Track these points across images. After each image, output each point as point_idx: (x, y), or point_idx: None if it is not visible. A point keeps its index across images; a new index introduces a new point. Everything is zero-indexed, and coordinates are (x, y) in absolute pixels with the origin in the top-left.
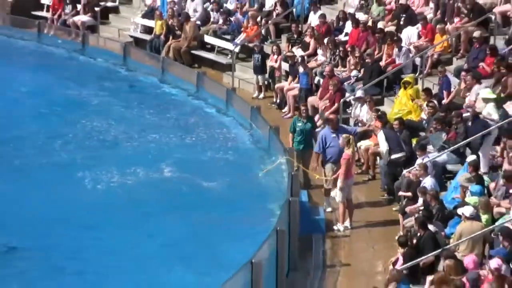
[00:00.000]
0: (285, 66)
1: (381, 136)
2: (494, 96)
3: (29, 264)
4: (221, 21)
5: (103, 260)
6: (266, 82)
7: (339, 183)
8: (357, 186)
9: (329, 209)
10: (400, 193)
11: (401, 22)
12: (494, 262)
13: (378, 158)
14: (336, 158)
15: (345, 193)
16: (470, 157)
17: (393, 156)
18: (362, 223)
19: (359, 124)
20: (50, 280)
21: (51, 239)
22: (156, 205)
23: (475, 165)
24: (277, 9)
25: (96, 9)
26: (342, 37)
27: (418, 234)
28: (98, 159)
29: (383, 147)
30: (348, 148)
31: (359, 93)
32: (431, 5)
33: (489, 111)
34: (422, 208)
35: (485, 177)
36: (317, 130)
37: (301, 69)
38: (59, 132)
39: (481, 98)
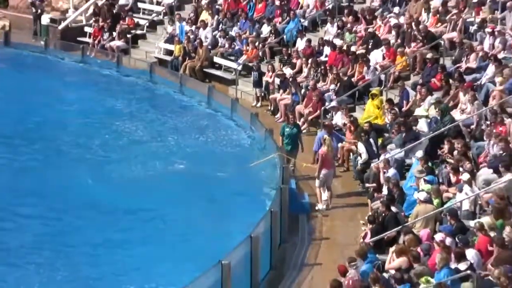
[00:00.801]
0: (277, 81)
1: (361, 147)
2: (426, 114)
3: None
4: (227, 46)
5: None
6: (262, 94)
7: (316, 173)
8: (335, 177)
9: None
10: (367, 184)
11: (369, 46)
12: (438, 236)
13: (351, 154)
14: None
15: (321, 181)
16: (419, 153)
17: (373, 162)
18: (339, 205)
19: (337, 128)
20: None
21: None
22: (175, 188)
23: (426, 159)
24: (271, 36)
25: (128, 36)
26: (322, 58)
27: (383, 214)
28: (127, 154)
29: (364, 156)
30: (324, 146)
31: (333, 103)
32: (393, 32)
33: (421, 126)
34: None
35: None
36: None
37: (293, 90)
38: (98, 133)
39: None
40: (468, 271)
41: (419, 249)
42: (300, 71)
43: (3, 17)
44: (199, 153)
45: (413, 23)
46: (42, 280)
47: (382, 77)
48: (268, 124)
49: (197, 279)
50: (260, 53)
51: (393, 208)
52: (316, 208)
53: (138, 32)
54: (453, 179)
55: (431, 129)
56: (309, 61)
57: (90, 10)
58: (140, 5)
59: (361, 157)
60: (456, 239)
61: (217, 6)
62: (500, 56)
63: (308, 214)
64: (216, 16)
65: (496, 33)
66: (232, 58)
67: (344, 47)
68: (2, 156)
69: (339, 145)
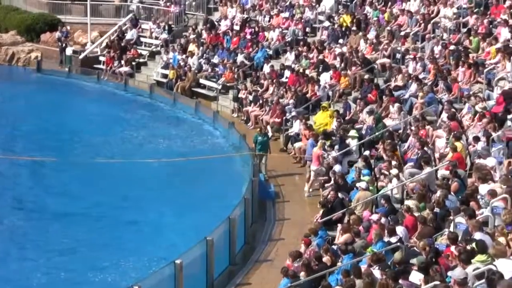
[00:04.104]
0: (250, 97)
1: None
2: (357, 135)
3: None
4: (209, 70)
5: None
6: (238, 107)
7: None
8: (293, 170)
9: None
10: (320, 178)
11: (320, 70)
12: (375, 216)
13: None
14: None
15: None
16: (366, 153)
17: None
18: (298, 193)
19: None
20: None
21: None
22: (168, 179)
23: (365, 157)
24: (244, 62)
25: (133, 63)
26: (284, 79)
27: (332, 199)
28: (129, 154)
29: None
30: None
31: (293, 113)
32: (338, 59)
33: (352, 143)
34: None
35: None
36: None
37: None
38: (108, 138)
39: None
40: (398, 243)
41: (361, 227)
42: (266, 89)
43: (36, 49)
44: (188, 152)
45: (353, 52)
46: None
47: (330, 93)
48: (242, 130)
49: (184, 252)
50: (236, 76)
51: (340, 195)
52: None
53: (141, 60)
54: (386, 172)
55: (367, 134)
56: (273, 81)
57: (104, 44)
58: (142, 39)
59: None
60: (389, 218)
61: (201, 40)
62: (421, 76)
63: (273, 200)
64: (201, 48)
65: (417, 59)
66: (214, 79)
67: (301, 71)
68: (42, 153)
69: (296, 146)
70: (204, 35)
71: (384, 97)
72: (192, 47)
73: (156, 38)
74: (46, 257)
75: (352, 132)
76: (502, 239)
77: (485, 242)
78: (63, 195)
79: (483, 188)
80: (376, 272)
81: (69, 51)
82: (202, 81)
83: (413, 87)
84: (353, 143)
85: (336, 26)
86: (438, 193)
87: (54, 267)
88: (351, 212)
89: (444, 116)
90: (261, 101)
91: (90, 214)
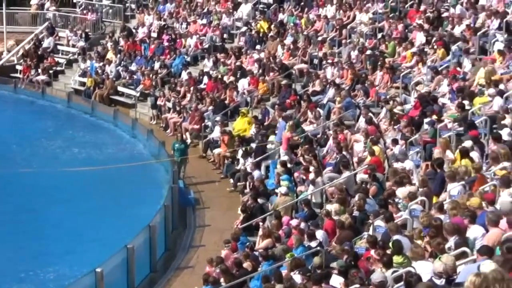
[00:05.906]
0: (169, 104)
1: (240, 155)
2: (273, 140)
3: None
4: (127, 77)
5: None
6: (157, 114)
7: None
8: (213, 176)
9: None
10: (238, 183)
11: (238, 76)
12: (294, 222)
13: (226, 160)
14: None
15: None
16: (282, 158)
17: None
18: (218, 199)
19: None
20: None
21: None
22: (88, 187)
23: (284, 162)
24: (162, 69)
25: (50, 71)
26: (202, 86)
27: (252, 205)
28: (48, 161)
29: (241, 161)
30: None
31: (218, 118)
32: (256, 65)
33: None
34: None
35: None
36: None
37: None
38: (27, 145)
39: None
40: (318, 248)
41: (281, 232)
42: (184, 96)
43: None
44: (109, 160)
45: (271, 58)
46: None
47: (248, 99)
48: (161, 137)
49: (105, 261)
50: (154, 83)
51: (260, 200)
52: None
53: (58, 68)
54: (304, 177)
55: None
56: (191, 88)
57: (20, 52)
58: (59, 47)
59: (239, 162)
60: (308, 223)
61: (119, 47)
62: (338, 81)
63: (193, 207)
64: (119, 55)
65: (334, 63)
66: (132, 87)
67: (219, 77)
68: None
69: (215, 152)
70: (122, 42)
71: (302, 102)
72: (109, 54)
73: (73, 46)
74: None
75: (272, 137)
76: (420, 242)
77: (401, 242)
78: None
79: (400, 191)
80: (297, 277)
81: None
82: (120, 88)
83: (331, 92)
84: (271, 146)
85: (253, 32)
86: (357, 197)
87: None
88: (275, 216)
89: (361, 120)
90: (178, 108)
91: (5, 224)
